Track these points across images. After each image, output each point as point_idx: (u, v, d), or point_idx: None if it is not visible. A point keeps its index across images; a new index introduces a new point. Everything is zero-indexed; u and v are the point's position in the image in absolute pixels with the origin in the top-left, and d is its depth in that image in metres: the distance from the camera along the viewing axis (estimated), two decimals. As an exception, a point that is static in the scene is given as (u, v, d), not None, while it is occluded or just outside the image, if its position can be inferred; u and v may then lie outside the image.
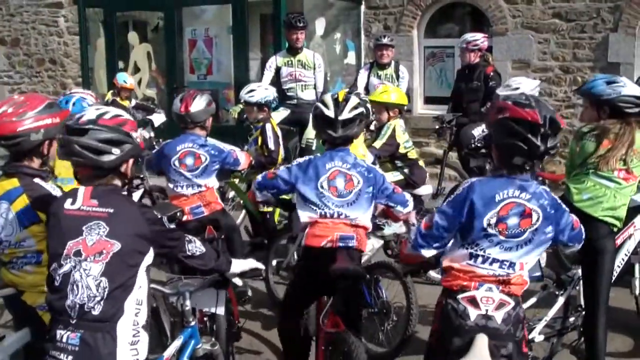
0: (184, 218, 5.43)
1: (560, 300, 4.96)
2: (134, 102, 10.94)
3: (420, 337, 5.24)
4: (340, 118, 4.38)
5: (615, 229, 4.66)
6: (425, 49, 11.65)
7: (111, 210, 3.03)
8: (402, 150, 6.71)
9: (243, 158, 5.97)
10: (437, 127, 8.92)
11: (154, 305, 4.33)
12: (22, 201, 3.56)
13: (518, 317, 3.34)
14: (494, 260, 3.32)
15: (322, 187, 4.36)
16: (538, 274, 4.30)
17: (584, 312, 4.81)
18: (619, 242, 5.05)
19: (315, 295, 4.53)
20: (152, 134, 9.12)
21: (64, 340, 2.92)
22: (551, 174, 8.49)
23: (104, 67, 12.62)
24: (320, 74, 9.11)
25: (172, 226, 3.29)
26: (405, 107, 7.13)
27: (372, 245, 5.28)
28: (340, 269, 4.20)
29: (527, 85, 7.40)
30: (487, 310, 3.27)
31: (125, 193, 3.30)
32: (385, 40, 9.23)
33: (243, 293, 5.53)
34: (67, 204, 3.07)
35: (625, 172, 4.56)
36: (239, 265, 3.72)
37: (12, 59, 15.38)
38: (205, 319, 4.63)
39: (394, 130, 6.63)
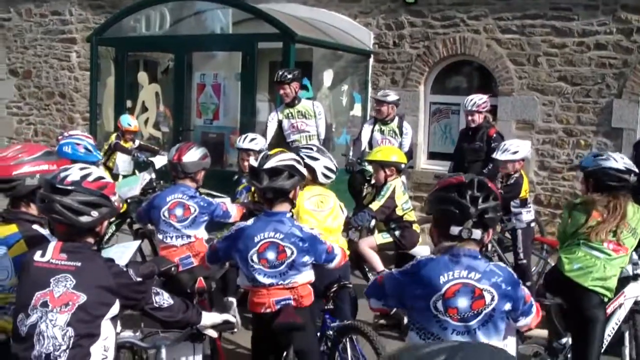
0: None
1: (552, 369, 4.94)
2: (137, 142, 11.00)
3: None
4: (264, 167, 4.25)
5: (605, 299, 4.69)
6: (431, 105, 11.71)
7: (79, 264, 3.14)
8: (399, 212, 6.62)
9: (234, 210, 5.95)
10: (438, 185, 8.90)
11: (144, 357, 4.34)
12: (20, 247, 3.59)
13: None
14: None
15: (252, 260, 4.28)
16: None
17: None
18: (609, 311, 5.06)
19: (275, 353, 4.49)
20: (154, 176, 9.09)
21: None
22: (550, 238, 8.50)
23: (112, 104, 12.70)
24: (322, 121, 8.79)
25: (139, 279, 3.37)
26: (404, 166, 7.06)
27: None
28: (281, 323, 4.23)
29: (524, 148, 7.50)
30: None
31: (95, 248, 3.42)
32: (381, 96, 9.15)
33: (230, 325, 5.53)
34: (37, 256, 3.19)
35: (615, 244, 4.64)
36: (210, 317, 3.77)
37: (23, 90, 15.56)
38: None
39: (393, 191, 6.55)
